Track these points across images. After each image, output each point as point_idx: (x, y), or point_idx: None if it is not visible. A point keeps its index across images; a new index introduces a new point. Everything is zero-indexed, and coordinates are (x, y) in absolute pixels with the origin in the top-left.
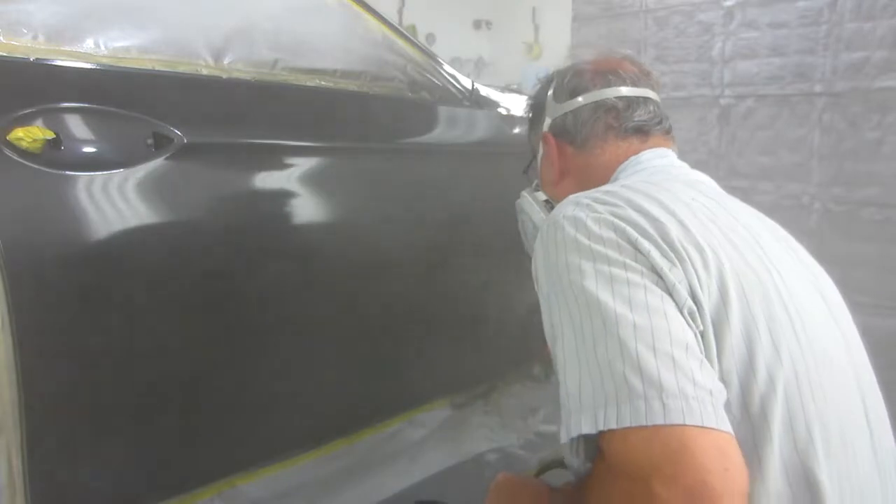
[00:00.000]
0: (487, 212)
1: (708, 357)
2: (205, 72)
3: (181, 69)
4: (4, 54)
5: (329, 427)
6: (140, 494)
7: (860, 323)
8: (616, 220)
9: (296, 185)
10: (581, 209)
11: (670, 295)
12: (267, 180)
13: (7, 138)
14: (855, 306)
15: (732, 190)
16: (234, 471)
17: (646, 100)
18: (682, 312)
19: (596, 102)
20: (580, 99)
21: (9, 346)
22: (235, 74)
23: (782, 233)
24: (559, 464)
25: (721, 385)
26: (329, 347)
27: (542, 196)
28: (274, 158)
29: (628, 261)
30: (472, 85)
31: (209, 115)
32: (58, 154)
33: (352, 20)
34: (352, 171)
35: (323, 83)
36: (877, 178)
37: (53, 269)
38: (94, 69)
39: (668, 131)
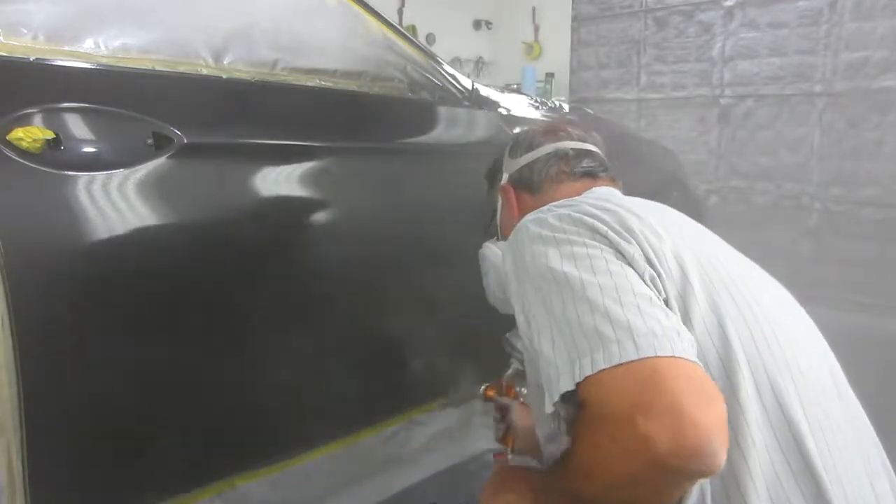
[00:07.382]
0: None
1: None
2: (205, 72)
3: (181, 69)
4: (4, 54)
5: (329, 427)
6: (140, 494)
7: (860, 323)
8: (574, 213)
9: (295, 186)
10: (542, 212)
11: (630, 266)
12: (267, 180)
13: (7, 138)
14: (855, 306)
15: (732, 190)
16: (235, 472)
17: (590, 152)
18: (643, 279)
19: (548, 153)
20: (534, 152)
21: (9, 346)
22: (235, 74)
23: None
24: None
25: (687, 330)
26: (328, 347)
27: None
28: (274, 158)
29: (587, 240)
30: (472, 85)
31: (209, 115)
32: (58, 154)
33: (352, 20)
34: (352, 171)
35: (323, 83)
36: (877, 178)
37: (53, 269)
38: (94, 69)
39: (613, 178)
